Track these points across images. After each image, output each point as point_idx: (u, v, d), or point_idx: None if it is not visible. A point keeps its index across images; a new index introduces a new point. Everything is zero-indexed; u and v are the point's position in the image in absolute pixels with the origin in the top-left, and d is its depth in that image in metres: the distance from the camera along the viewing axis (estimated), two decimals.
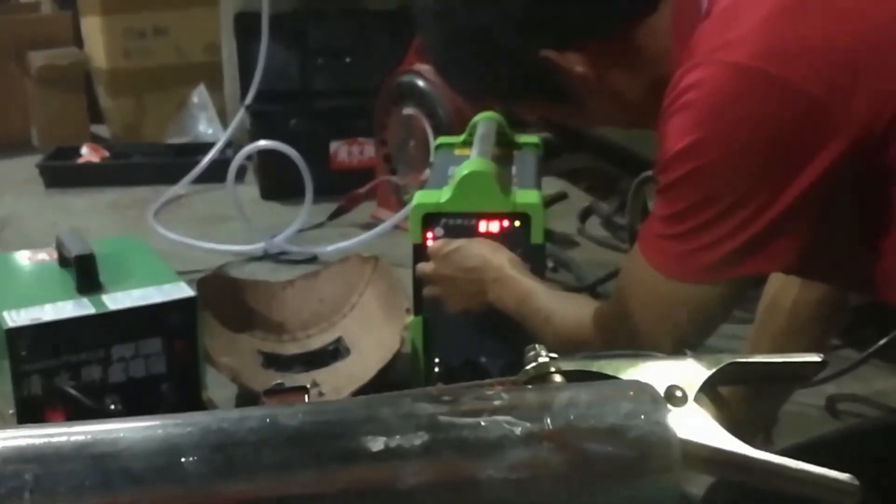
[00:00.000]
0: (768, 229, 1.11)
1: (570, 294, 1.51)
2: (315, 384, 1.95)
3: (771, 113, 1.08)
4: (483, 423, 0.48)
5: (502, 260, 1.56)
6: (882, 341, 1.90)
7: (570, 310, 1.40)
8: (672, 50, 1.20)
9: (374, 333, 2.04)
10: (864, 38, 1.08)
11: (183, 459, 0.43)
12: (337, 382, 1.94)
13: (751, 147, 1.09)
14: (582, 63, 1.24)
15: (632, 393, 0.52)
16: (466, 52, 1.29)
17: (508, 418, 0.49)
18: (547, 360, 0.58)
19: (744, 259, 1.13)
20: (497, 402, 0.50)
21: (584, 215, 3.03)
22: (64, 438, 0.43)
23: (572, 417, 0.49)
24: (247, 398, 1.85)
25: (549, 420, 0.49)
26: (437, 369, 1.80)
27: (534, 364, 0.58)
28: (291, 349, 2.12)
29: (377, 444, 0.46)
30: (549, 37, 1.23)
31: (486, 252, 1.59)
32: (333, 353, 2.10)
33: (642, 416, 0.50)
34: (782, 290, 1.51)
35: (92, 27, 4.17)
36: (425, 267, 1.67)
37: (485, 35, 1.25)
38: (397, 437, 0.47)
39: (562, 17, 1.22)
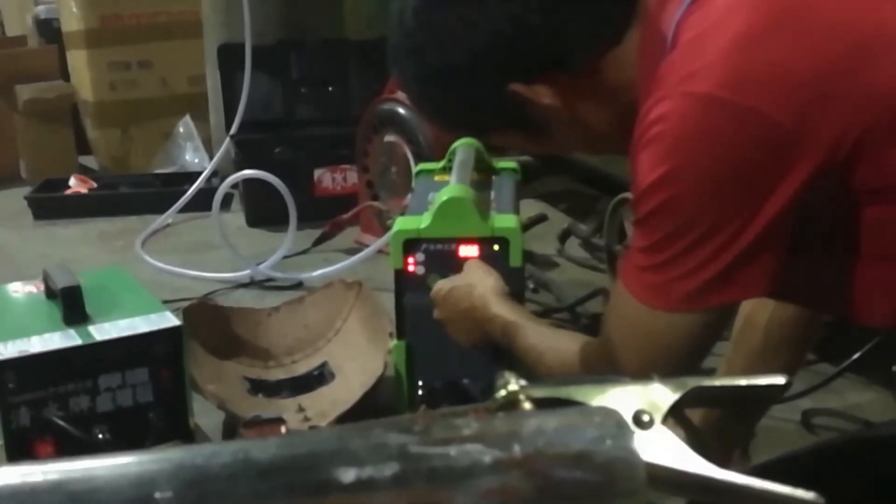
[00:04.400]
0: (743, 256, 1.12)
1: (560, 330, 1.52)
2: (301, 409, 1.96)
3: (736, 141, 1.09)
4: (453, 452, 0.48)
5: (488, 296, 1.58)
6: (856, 355, 1.92)
7: (559, 346, 1.41)
8: (638, 80, 1.22)
9: (359, 358, 2.05)
10: (825, 64, 1.09)
11: (157, 495, 0.44)
12: (322, 407, 1.95)
13: (718, 175, 1.10)
14: (550, 95, 1.26)
15: (598, 419, 0.52)
16: (437, 88, 1.31)
17: (478, 446, 0.49)
18: (516, 387, 0.59)
19: (721, 287, 1.14)
20: (467, 431, 0.50)
21: (564, 237, 3.04)
22: (40, 477, 0.43)
23: (540, 444, 0.50)
24: (233, 424, 1.85)
25: (517, 447, 0.49)
26: (420, 392, 1.82)
27: (503, 391, 0.59)
28: (277, 375, 2.13)
29: (349, 475, 0.46)
30: (516, 72, 1.25)
31: (473, 290, 1.61)
32: (319, 377, 2.11)
33: (608, 442, 0.50)
34: (757, 308, 1.52)
35: (78, 60, 4.19)
36: (435, 314, 1.69)
37: (454, 72, 1.27)
38: (368, 467, 0.47)
39: (528, 53, 1.23)
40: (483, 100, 1.30)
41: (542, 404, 0.58)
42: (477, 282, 1.62)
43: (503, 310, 1.54)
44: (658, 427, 0.57)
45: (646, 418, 0.57)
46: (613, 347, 1.25)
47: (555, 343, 1.43)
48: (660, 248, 1.15)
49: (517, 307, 1.57)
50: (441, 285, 1.67)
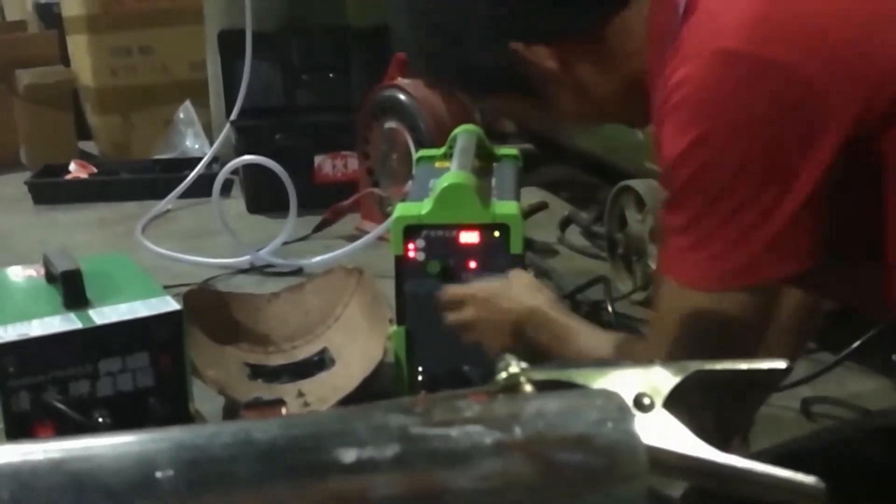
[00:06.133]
0: (786, 226, 1.04)
1: (610, 333, 1.44)
2: (300, 394, 1.96)
3: (766, 96, 1.03)
4: (454, 434, 0.48)
5: (539, 301, 1.46)
6: (855, 344, 1.92)
7: (609, 348, 1.31)
8: (645, 47, 1.18)
9: (359, 344, 2.05)
10: (855, 23, 1.04)
11: (158, 474, 0.44)
12: (322, 392, 1.95)
13: (751, 133, 1.04)
14: (550, 57, 1.21)
15: (599, 402, 0.52)
16: (436, 44, 1.28)
17: (479, 428, 0.49)
18: (517, 370, 0.59)
19: (768, 260, 1.06)
20: (468, 413, 0.50)
21: (564, 224, 3.04)
22: (41, 456, 0.43)
23: (541, 426, 0.50)
24: (234, 410, 1.85)
25: (518, 429, 0.49)
26: (420, 378, 1.82)
27: (504, 374, 0.59)
28: (277, 360, 2.13)
29: (349, 456, 0.46)
30: (516, 30, 1.22)
31: (523, 295, 1.49)
32: (318, 363, 2.11)
33: (609, 425, 0.50)
34: None
35: (78, 46, 4.18)
36: (464, 314, 1.54)
37: (453, 28, 1.24)
38: (369, 448, 0.47)
39: (529, 11, 1.20)
40: (480, 58, 1.26)
41: (543, 387, 0.58)
42: (534, 290, 1.50)
43: (558, 313, 1.44)
44: (659, 410, 0.57)
45: (647, 401, 0.57)
46: (662, 337, 1.16)
47: (603, 346, 1.32)
48: (697, 222, 1.08)
49: (572, 314, 1.48)
50: (480, 286, 1.55)
